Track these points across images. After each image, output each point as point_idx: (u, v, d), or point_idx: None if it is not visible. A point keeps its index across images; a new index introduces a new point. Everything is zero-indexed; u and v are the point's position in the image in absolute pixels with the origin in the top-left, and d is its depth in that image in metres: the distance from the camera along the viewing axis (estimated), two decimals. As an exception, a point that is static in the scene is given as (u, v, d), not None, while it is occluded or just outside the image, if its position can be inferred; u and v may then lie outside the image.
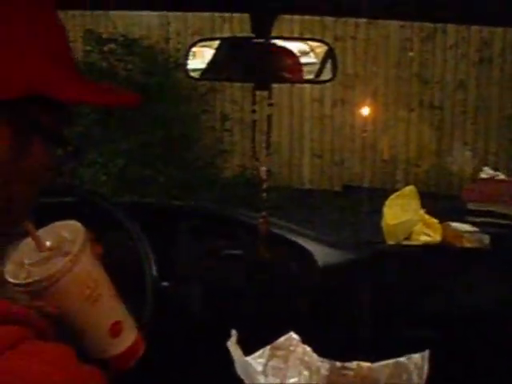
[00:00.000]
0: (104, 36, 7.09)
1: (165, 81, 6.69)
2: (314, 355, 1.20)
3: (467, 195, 6.13)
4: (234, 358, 1.17)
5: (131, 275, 1.79)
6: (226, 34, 7.12)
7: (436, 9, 1.22)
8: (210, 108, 7.55)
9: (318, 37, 7.36)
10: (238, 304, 1.92)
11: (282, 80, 1.65)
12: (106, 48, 6.93)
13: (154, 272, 1.73)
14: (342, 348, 1.32)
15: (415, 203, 2.27)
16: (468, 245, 2.20)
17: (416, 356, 1.14)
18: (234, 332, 1.18)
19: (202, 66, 1.68)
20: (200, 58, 1.71)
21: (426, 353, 1.13)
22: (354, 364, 1.17)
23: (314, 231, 2.13)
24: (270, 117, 1.57)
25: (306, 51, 1.67)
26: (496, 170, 6.64)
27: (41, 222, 1.81)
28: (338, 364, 1.18)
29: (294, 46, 1.60)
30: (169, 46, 7.50)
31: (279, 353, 1.20)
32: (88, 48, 6.97)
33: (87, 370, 0.70)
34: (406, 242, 2.19)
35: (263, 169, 1.63)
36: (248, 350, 1.90)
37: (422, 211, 2.26)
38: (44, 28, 0.76)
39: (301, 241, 1.97)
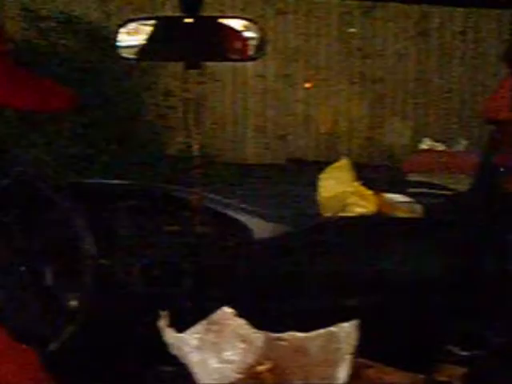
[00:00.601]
0: (42, 13, 6.95)
1: (106, 58, 6.60)
2: (250, 327, 1.22)
3: (408, 166, 6.26)
4: (166, 339, 1.18)
5: (70, 254, 1.81)
6: (167, 12, 7.07)
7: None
8: (153, 84, 7.48)
9: (259, 12, 7.39)
10: (178, 279, 1.94)
11: (212, 58, 1.67)
12: (44, 26, 6.79)
13: (93, 251, 1.75)
14: (279, 319, 1.36)
15: (349, 175, 2.32)
16: (402, 215, 2.26)
17: (346, 325, 1.17)
18: (164, 313, 1.20)
19: (136, 43, 1.68)
20: (135, 35, 1.71)
21: (355, 321, 1.17)
22: (288, 334, 1.20)
23: (252, 205, 2.17)
24: (200, 96, 1.58)
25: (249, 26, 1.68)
26: (436, 141, 6.79)
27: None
28: (273, 335, 1.20)
29: (239, 23, 1.61)
30: (110, 23, 7.40)
31: (214, 327, 1.21)
32: (25, 26, 6.82)
33: (24, 350, 0.71)
34: (341, 214, 2.24)
35: (195, 146, 1.65)
36: (186, 323, 1.94)
37: (356, 183, 2.31)
38: None
39: (237, 215, 2.01)
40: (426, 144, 6.67)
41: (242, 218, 2.03)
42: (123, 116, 6.86)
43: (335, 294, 1.90)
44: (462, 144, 6.48)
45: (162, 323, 1.19)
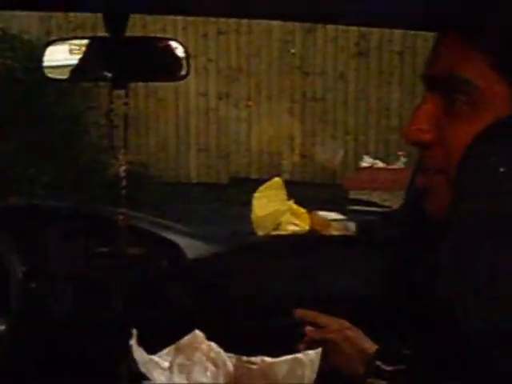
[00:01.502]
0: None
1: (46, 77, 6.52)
2: (221, 351, 1.22)
3: (349, 184, 6.34)
4: (137, 358, 1.17)
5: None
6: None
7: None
8: (95, 103, 7.42)
9: (201, 31, 7.41)
10: (109, 301, 1.92)
11: (139, 79, 1.67)
12: (-20, 43, 6.70)
13: (20, 274, 1.72)
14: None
15: (282, 194, 2.34)
16: (334, 232, 2.28)
17: (311, 352, 1.19)
18: (134, 331, 1.19)
19: (63, 63, 1.67)
20: (62, 56, 1.70)
21: (319, 350, 1.18)
22: (258, 358, 1.20)
23: (186, 225, 2.16)
24: (126, 116, 1.58)
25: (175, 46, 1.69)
26: (376, 158, 6.89)
27: None
28: (244, 358, 1.21)
29: (164, 43, 1.62)
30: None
31: (185, 350, 1.21)
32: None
33: None
34: (274, 233, 2.25)
35: (122, 167, 1.64)
36: (117, 350, 1.91)
37: (289, 201, 2.33)
38: None
39: (169, 235, 2.00)
40: (366, 162, 6.77)
41: (175, 238, 2.02)
42: (65, 135, 6.79)
43: (266, 314, 1.90)
44: (402, 161, 6.59)
45: (133, 342, 1.18)
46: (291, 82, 7.63)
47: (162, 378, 1.18)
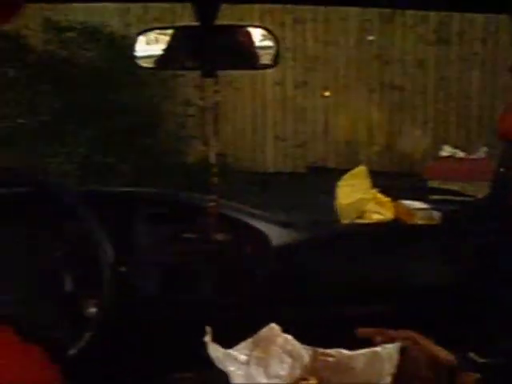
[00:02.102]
0: (63, 24, 7.02)
1: (126, 67, 6.66)
2: (297, 343, 1.22)
3: (428, 173, 6.24)
4: (212, 355, 1.19)
5: (90, 263, 1.83)
6: (188, 19, 7.11)
7: None
8: (172, 93, 7.52)
9: (278, 20, 7.41)
10: (195, 285, 1.96)
11: (228, 67, 1.69)
12: (65, 36, 6.87)
13: (111, 258, 1.77)
14: (294, 327, 1.36)
15: (366, 183, 2.33)
16: (419, 222, 2.25)
17: (389, 346, 1.18)
18: (208, 329, 1.21)
19: (155, 53, 1.71)
20: (152, 45, 1.74)
21: (398, 344, 1.17)
22: (334, 351, 1.20)
23: (271, 213, 2.18)
24: (217, 104, 1.60)
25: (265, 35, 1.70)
26: (456, 147, 6.76)
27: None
28: (320, 350, 1.21)
29: (254, 31, 1.63)
30: (129, 33, 7.46)
31: (261, 343, 1.22)
32: (47, 37, 6.90)
33: (34, 350, 0.71)
34: (358, 221, 2.24)
35: (212, 154, 1.67)
36: (203, 332, 1.95)
37: (373, 190, 2.31)
38: None
39: (254, 222, 2.02)
40: (446, 151, 6.64)
41: (260, 225, 2.04)
42: (143, 125, 6.91)
43: (350, 300, 1.91)
44: (482, 151, 6.44)
45: (207, 338, 1.20)
46: (369, 71, 7.55)
47: (240, 372, 1.19)
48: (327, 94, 7.60)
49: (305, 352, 1.21)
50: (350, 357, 1.19)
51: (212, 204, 1.80)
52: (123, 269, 1.85)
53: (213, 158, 1.69)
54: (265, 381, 1.18)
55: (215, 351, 1.19)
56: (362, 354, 1.18)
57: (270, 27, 1.60)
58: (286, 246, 2.00)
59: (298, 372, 1.18)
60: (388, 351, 1.17)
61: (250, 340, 1.23)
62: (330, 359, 1.19)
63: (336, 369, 1.18)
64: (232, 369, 1.18)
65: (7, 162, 6.64)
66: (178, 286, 1.98)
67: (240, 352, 1.22)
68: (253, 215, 2.08)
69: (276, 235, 2.01)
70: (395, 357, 1.16)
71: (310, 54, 7.64)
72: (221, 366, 1.18)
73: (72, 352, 1.70)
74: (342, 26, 7.59)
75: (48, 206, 1.92)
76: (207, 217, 1.85)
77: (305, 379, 1.17)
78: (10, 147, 6.56)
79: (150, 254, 1.99)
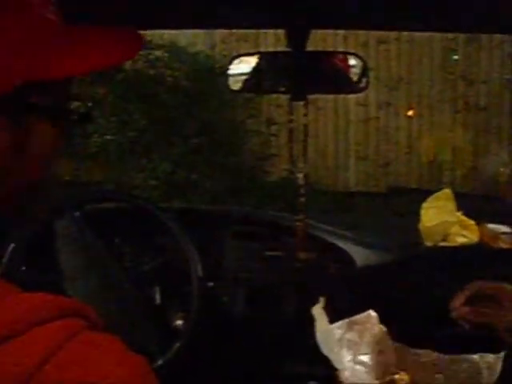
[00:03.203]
0: (151, 43, 7.22)
1: (211, 86, 6.79)
2: (389, 337, 1.24)
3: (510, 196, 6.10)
4: (316, 324, 1.21)
5: (178, 276, 1.90)
6: (271, 41, 7.21)
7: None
8: (256, 112, 7.63)
9: (361, 40, 7.42)
10: (279, 304, 2.00)
11: (317, 91, 1.73)
12: (152, 55, 7.06)
13: (200, 273, 1.83)
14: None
15: (451, 205, 2.32)
16: (504, 246, 2.23)
17: (490, 356, 1.17)
18: (321, 299, 1.24)
19: (245, 76, 1.77)
20: (244, 69, 1.80)
21: (502, 354, 1.17)
22: (425, 352, 1.21)
23: (354, 233, 2.20)
24: (306, 126, 1.65)
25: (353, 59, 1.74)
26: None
27: (91, 227, 1.93)
28: (411, 350, 1.22)
29: (343, 57, 1.68)
30: (214, 52, 7.61)
31: (356, 327, 1.24)
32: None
33: (139, 358, 0.70)
34: (443, 244, 2.24)
35: (300, 175, 1.71)
36: (285, 349, 1.98)
37: (458, 213, 2.30)
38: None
39: (339, 243, 2.05)
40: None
41: (344, 245, 2.07)
42: (227, 143, 7.02)
43: (435, 322, 1.90)
44: None
45: (318, 307, 1.22)
46: (454, 91, 7.45)
47: (333, 348, 1.20)
48: (411, 113, 7.54)
49: (394, 347, 1.21)
50: (442, 360, 1.18)
51: (299, 223, 1.84)
52: (211, 284, 1.91)
53: (301, 179, 1.73)
54: (351, 364, 1.19)
55: (320, 321, 1.21)
56: (456, 360, 1.18)
57: (357, 52, 1.63)
58: (370, 268, 2.02)
59: (383, 365, 1.19)
60: (487, 360, 1.16)
61: (346, 321, 1.24)
62: (422, 359, 1.19)
63: (428, 369, 1.18)
64: (328, 344, 1.19)
65: (95, 177, 6.88)
66: (261, 303, 2.03)
67: (335, 330, 1.23)
68: (337, 235, 2.10)
69: (361, 257, 2.03)
70: (496, 366, 1.14)
71: (394, 74, 7.61)
72: (319, 339, 1.19)
73: (160, 363, 1.77)
74: (425, 46, 7.53)
75: (139, 221, 2.00)
76: (293, 236, 1.90)
77: (396, 373, 1.18)
78: (98, 162, 6.78)
79: (236, 271, 2.05)
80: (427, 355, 1.21)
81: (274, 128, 7.50)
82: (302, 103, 1.66)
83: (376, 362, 1.21)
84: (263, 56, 1.74)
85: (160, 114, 6.79)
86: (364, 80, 1.60)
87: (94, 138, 6.49)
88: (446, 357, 1.19)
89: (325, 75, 1.62)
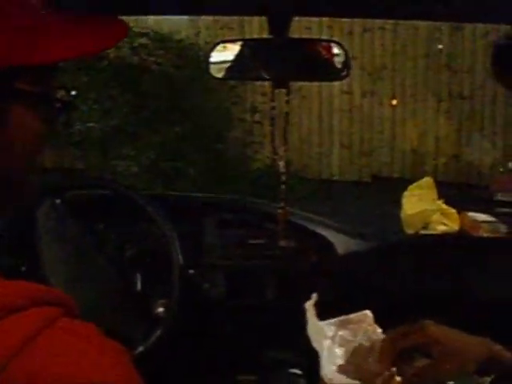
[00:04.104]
0: (135, 30, 7.18)
1: (195, 74, 6.77)
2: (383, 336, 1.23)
3: (496, 186, 6.13)
4: (308, 320, 1.21)
5: (159, 264, 1.90)
6: (255, 28, 7.20)
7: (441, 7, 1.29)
8: (240, 100, 7.61)
9: (346, 28, 7.42)
10: (260, 291, 2.01)
11: (299, 78, 1.73)
12: (136, 43, 7.03)
13: (181, 260, 1.83)
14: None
15: (432, 193, 2.33)
16: (485, 234, 2.25)
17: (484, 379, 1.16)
18: (314, 295, 1.23)
19: (227, 63, 1.76)
20: (226, 56, 1.79)
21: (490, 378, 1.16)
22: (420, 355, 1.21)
23: (336, 221, 2.21)
24: (287, 113, 1.65)
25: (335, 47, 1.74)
26: (526, 160, 6.63)
27: (71, 214, 1.92)
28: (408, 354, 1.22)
29: (325, 44, 1.68)
30: (199, 40, 7.58)
31: (350, 325, 1.23)
32: (119, 44, 7.06)
33: (117, 345, 0.71)
34: (423, 232, 2.25)
35: (281, 162, 1.71)
36: (267, 336, 1.99)
37: (439, 201, 2.32)
38: None
39: (321, 230, 2.06)
40: (515, 163, 6.53)
41: (325, 233, 2.08)
42: (211, 130, 7.01)
43: (412, 311, 1.91)
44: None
45: (310, 303, 1.22)
46: (437, 80, 7.47)
47: (323, 346, 1.20)
48: (394, 102, 7.56)
49: (389, 348, 1.21)
50: (430, 365, 1.17)
51: (280, 211, 1.84)
52: (191, 271, 1.91)
53: (282, 167, 1.73)
54: (342, 363, 1.18)
55: (311, 317, 1.20)
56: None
57: (340, 41, 1.63)
58: (351, 255, 2.02)
59: (377, 366, 1.18)
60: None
61: (339, 318, 1.23)
62: (417, 364, 1.18)
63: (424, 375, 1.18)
64: (318, 339, 1.19)
65: (78, 165, 6.85)
66: (242, 290, 2.03)
67: (328, 327, 1.22)
68: (318, 223, 2.11)
69: (342, 244, 2.04)
70: None
71: (378, 63, 7.61)
72: (310, 334, 1.19)
73: (141, 350, 1.77)
74: (410, 34, 7.54)
75: (121, 208, 2.00)
76: (275, 223, 1.90)
77: (394, 376, 1.18)
78: (81, 150, 6.75)
79: (217, 258, 2.05)
80: (424, 360, 1.20)
81: (257, 115, 7.49)
82: (284, 90, 1.66)
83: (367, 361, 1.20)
84: (245, 43, 1.73)
85: (143, 101, 6.76)
86: (346, 68, 1.60)
87: (76, 126, 6.45)
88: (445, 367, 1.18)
89: (307, 62, 1.62)
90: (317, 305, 1.21)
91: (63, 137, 6.24)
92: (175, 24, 7.65)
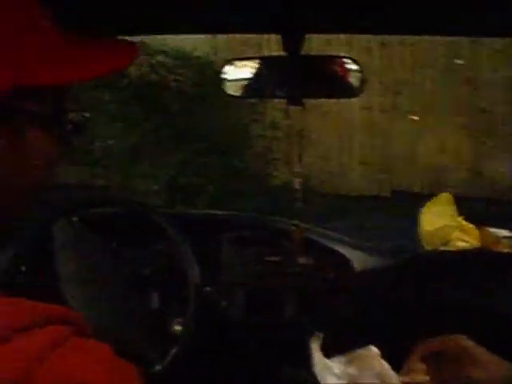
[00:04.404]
0: (155, 48, 7.22)
1: (214, 91, 6.78)
2: (392, 372, 1.23)
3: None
4: (313, 358, 1.21)
5: (176, 281, 1.90)
6: (274, 46, 7.21)
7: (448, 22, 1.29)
8: (260, 116, 7.62)
9: (364, 44, 7.42)
10: (278, 309, 1.99)
11: (314, 95, 1.73)
12: (154, 60, 7.07)
13: (197, 278, 1.82)
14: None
15: (451, 209, 2.32)
16: (505, 250, 2.23)
17: None
18: (319, 334, 1.23)
19: (241, 81, 1.76)
20: (240, 73, 1.79)
21: None
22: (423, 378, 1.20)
23: (353, 237, 2.20)
24: (301, 130, 1.65)
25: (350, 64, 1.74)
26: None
27: (88, 232, 1.93)
28: (412, 382, 1.21)
29: (340, 61, 1.67)
30: (217, 57, 7.62)
31: (356, 361, 1.23)
32: (138, 61, 7.12)
33: (129, 365, 0.71)
34: (443, 248, 2.23)
35: (296, 179, 1.71)
36: (285, 354, 1.97)
37: (459, 217, 2.30)
38: None
39: (338, 247, 2.04)
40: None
41: (342, 250, 2.06)
42: (230, 147, 7.02)
43: (434, 327, 1.89)
44: None
45: (315, 344, 1.22)
46: (458, 95, 7.44)
47: (332, 382, 1.20)
48: (415, 118, 7.53)
49: (397, 381, 1.20)
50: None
51: (295, 228, 1.84)
52: (208, 289, 1.90)
53: (297, 184, 1.73)
54: None
55: (317, 357, 1.20)
56: None
57: (353, 56, 1.63)
58: (368, 272, 2.01)
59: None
60: None
61: (346, 355, 1.24)
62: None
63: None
64: (326, 378, 1.19)
65: (98, 182, 6.89)
66: (260, 308, 2.02)
67: (335, 364, 1.22)
68: (335, 239, 2.10)
69: (358, 260, 2.03)
70: None
71: (397, 78, 7.60)
72: (317, 373, 1.19)
73: (157, 368, 1.77)
74: (429, 49, 7.52)
75: (137, 227, 2.00)
76: (291, 241, 1.89)
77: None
78: (101, 167, 6.79)
79: (234, 276, 2.04)
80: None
81: (277, 132, 7.49)
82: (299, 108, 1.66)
83: None
84: (258, 60, 1.73)
85: (163, 118, 6.79)
86: (360, 84, 1.60)
87: (97, 143, 6.50)
88: None
89: (321, 79, 1.61)
90: (324, 342, 1.21)
91: (84, 154, 6.29)
92: (194, 42, 7.69)
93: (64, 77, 0.75)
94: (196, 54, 7.40)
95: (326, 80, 1.62)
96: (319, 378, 1.18)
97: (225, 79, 1.73)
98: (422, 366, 1.16)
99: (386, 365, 1.21)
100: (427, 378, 1.17)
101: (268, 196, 6.82)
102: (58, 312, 0.70)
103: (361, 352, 1.22)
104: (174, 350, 1.78)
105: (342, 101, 7.43)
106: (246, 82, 1.73)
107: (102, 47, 0.80)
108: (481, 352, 1.16)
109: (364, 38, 7.40)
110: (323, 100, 6.75)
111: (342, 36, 7.29)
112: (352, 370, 1.21)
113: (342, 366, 1.21)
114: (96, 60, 0.77)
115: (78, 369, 0.65)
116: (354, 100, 7.39)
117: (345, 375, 1.21)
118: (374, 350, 1.23)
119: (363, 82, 1.59)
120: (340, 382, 1.19)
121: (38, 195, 0.80)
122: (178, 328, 1.86)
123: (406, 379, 1.17)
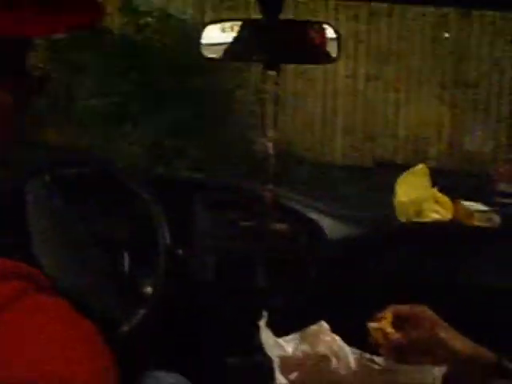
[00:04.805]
0: (141, 9, 7.14)
1: (200, 55, 6.71)
2: (344, 345, 1.24)
3: (500, 176, 6.09)
4: (263, 339, 1.22)
5: (147, 243, 1.89)
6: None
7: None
8: (245, 82, 7.57)
9: (352, 13, 7.36)
10: (249, 272, 2.00)
11: (290, 61, 1.71)
12: (141, 21, 6.99)
13: (168, 239, 1.82)
14: (347, 322, 1.38)
15: (425, 181, 2.31)
16: (478, 224, 2.23)
17: (436, 369, 1.16)
18: (264, 313, 1.24)
19: (219, 45, 1.74)
20: (218, 37, 1.77)
21: (443, 368, 1.16)
22: (381, 359, 1.21)
23: (331, 206, 2.19)
24: (277, 95, 1.63)
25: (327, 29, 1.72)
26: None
27: (61, 191, 1.92)
28: (367, 356, 1.22)
29: (316, 26, 1.65)
30: (204, 20, 7.53)
31: (309, 339, 1.24)
32: (124, 20, 7.04)
33: (87, 324, 0.70)
34: (416, 219, 2.23)
35: (269, 144, 1.70)
36: (257, 317, 1.98)
37: (433, 189, 2.30)
38: None
39: (311, 214, 2.05)
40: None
41: (316, 216, 2.07)
42: (214, 112, 6.98)
43: (400, 299, 1.91)
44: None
45: (262, 323, 1.23)
46: (443, 67, 7.42)
47: (285, 362, 1.21)
48: (399, 87, 7.50)
49: (351, 355, 1.21)
50: (396, 368, 1.18)
51: (268, 193, 1.83)
52: (180, 251, 1.90)
53: (271, 149, 1.72)
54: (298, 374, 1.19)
55: (267, 337, 1.22)
56: (410, 370, 1.17)
57: (340, 23, 1.61)
58: (340, 240, 2.02)
59: (342, 372, 1.19)
60: (434, 373, 1.15)
61: (298, 333, 1.25)
62: (375, 367, 1.19)
63: (380, 377, 1.18)
64: (278, 357, 1.20)
65: (78, 143, 6.84)
66: (231, 272, 2.03)
67: (288, 343, 1.24)
68: (310, 207, 2.10)
69: (332, 228, 2.03)
70: (439, 381, 1.14)
71: (384, 48, 7.56)
72: (269, 352, 1.21)
73: (125, 329, 1.77)
74: (417, 21, 7.48)
75: (110, 188, 1.99)
76: (263, 206, 1.89)
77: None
78: (81, 128, 6.74)
79: (206, 239, 2.04)
80: (382, 362, 1.20)
81: (259, 98, 7.41)
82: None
83: (332, 371, 1.21)
84: (238, 23, 1.71)
85: (147, 81, 6.73)
86: (337, 50, 1.58)
87: (77, 104, 6.44)
88: (401, 366, 1.18)
89: (297, 45, 1.59)
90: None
91: (65, 113, 6.23)
92: (180, 4, 7.60)
93: (19, 30, 0.73)
94: (182, 16, 7.32)
95: (302, 46, 1.61)
96: (272, 357, 1.19)
97: (203, 42, 1.71)
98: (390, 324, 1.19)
99: (338, 339, 1.22)
100: (393, 330, 1.19)
101: (249, 161, 6.81)
102: (18, 267, 0.69)
103: (312, 329, 1.24)
104: (142, 311, 1.78)
105: (328, 68, 7.41)
106: (224, 46, 1.70)
107: (64, 6, 0.78)
108: (444, 324, 1.19)
109: (352, 7, 7.34)
110: (308, 67, 6.72)
111: (329, 3, 7.23)
112: (305, 347, 1.22)
113: (295, 344, 1.23)
114: (58, 15, 0.75)
115: (34, 326, 0.64)
116: (339, 68, 7.39)
117: (298, 353, 1.22)
118: (324, 325, 1.24)
119: (340, 49, 1.58)
120: (290, 361, 1.20)
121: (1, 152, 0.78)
122: (147, 289, 1.86)
123: (375, 325, 1.19)
